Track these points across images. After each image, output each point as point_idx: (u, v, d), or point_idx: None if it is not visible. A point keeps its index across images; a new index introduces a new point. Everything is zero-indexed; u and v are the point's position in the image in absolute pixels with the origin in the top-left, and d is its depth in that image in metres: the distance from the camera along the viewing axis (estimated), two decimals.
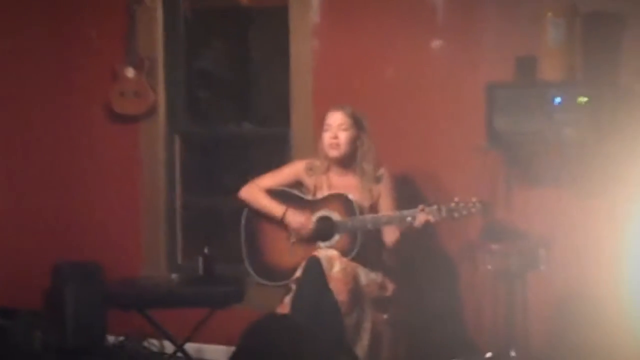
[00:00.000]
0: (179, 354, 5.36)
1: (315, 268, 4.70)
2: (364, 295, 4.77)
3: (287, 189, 5.07)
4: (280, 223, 4.99)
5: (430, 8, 5.39)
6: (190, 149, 6.20)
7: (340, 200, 4.90)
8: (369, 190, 4.96)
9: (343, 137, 4.93)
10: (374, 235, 4.93)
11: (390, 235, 4.94)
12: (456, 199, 4.71)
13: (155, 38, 6.02)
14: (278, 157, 5.61)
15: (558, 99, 4.85)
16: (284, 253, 5.00)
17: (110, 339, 5.71)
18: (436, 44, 5.40)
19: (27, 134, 6.30)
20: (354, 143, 4.95)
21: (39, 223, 6.26)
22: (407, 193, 5.20)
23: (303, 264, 4.77)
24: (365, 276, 4.82)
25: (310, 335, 2.34)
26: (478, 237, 5.09)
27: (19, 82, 6.24)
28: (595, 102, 4.80)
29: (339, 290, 4.65)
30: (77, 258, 5.69)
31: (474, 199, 4.72)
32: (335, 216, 4.89)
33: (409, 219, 4.74)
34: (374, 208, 4.95)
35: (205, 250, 5.25)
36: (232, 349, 5.14)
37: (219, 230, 5.78)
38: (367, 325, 4.76)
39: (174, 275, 5.44)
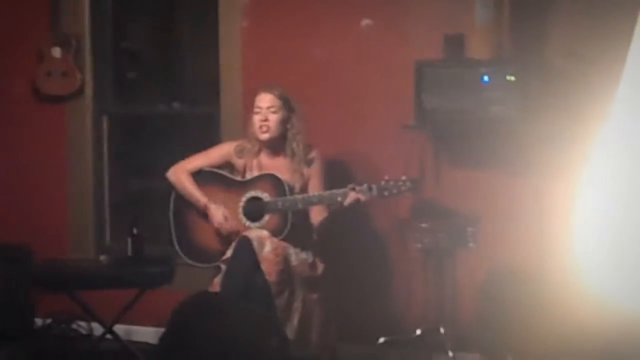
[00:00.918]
0: (108, 336, 5.25)
1: (245, 248, 4.64)
2: (295, 275, 4.73)
3: (216, 170, 5.00)
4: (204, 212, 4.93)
5: None
6: (118, 130, 6.09)
7: (271, 180, 4.85)
8: (300, 172, 4.91)
9: (273, 119, 4.87)
10: (305, 215, 4.88)
11: (317, 215, 4.89)
12: (386, 178, 4.68)
13: (82, 17, 5.89)
14: (208, 138, 5.52)
15: (486, 77, 4.83)
16: (213, 233, 4.91)
17: (38, 321, 5.62)
18: (365, 22, 5.34)
19: None
20: (284, 125, 4.89)
21: None
22: (338, 173, 5.17)
23: (233, 244, 4.71)
24: (296, 256, 4.77)
25: (240, 314, 2.25)
26: (408, 216, 5.07)
27: None
28: (522, 80, 4.79)
29: (270, 270, 4.61)
30: (3, 240, 5.62)
31: (404, 178, 4.69)
32: (266, 196, 4.83)
33: (339, 198, 4.70)
34: (304, 190, 4.90)
35: (134, 231, 5.14)
36: (162, 330, 5.23)
37: (147, 211, 5.66)
38: (297, 305, 4.72)
39: (102, 257, 5.29)
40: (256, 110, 4.89)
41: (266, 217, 4.82)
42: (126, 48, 6.17)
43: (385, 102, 5.26)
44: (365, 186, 4.67)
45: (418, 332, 5.07)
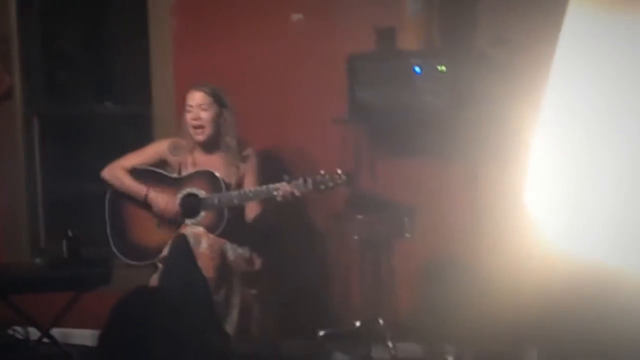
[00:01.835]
0: (45, 340, 5.17)
1: (182, 245, 4.59)
2: (232, 271, 4.70)
3: (151, 167, 4.93)
4: (144, 203, 4.86)
5: None
6: (50, 131, 5.99)
7: (206, 177, 4.80)
8: (235, 167, 4.86)
9: (205, 116, 4.82)
10: (241, 210, 4.83)
11: (252, 210, 4.84)
12: (322, 172, 4.65)
13: (9, 19, 5.78)
14: (140, 137, 5.44)
15: (418, 69, 4.82)
16: (149, 232, 4.86)
17: None
18: (296, 17, 5.30)
19: None
20: (216, 121, 4.84)
21: None
22: (273, 169, 5.09)
23: (170, 242, 4.66)
24: (233, 252, 4.73)
25: (179, 309, 2.18)
26: (344, 208, 5.04)
27: None
28: (453, 70, 4.79)
29: (207, 266, 4.56)
30: None
31: (339, 171, 4.66)
32: (201, 193, 4.79)
33: (275, 192, 4.65)
34: (239, 185, 4.85)
35: (69, 233, 5.08)
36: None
37: (83, 212, 5.58)
38: (235, 301, 4.69)
39: (37, 260, 5.24)
40: (187, 109, 4.84)
41: (202, 214, 4.76)
42: (56, 48, 6.07)
43: (319, 96, 5.22)
44: (300, 180, 4.63)
45: (357, 324, 5.04)
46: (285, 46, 5.31)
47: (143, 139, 5.35)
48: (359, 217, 4.89)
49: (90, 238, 5.24)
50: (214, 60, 5.40)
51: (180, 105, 4.94)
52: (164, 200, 4.82)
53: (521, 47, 4.81)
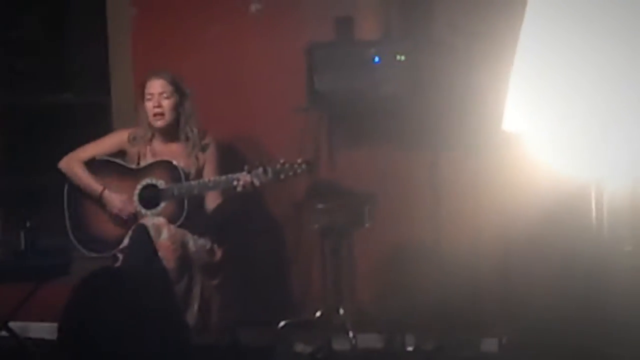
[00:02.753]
0: (3, 333, 5.09)
1: (142, 236, 4.57)
2: (193, 262, 4.67)
3: (110, 158, 4.92)
4: (99, 201, 4.85)
5: None
6: (7, 121, 5.96)
7: (165, 167, 4.78)
8: (195, 157, 4.85)
9: (166, 104, 4.80)
10: (201, 201, 4.82)
11: (212, 201, 4.83)
12: (282, 161, 4.64)
13: None
14: (99, 128, 5.41)
15: (377, 58, 4.84)
16: (109, 222, 4.84)
17: None
18: (255, 7, 5.30)
19: None
20: (176, 110, 4.83)
21: None
22: (233, 158, 5.11)
23: (129, 232, 4.63)
24: (194, 242, 4.71)
25: (140, 290, 2.16)
26: (304, 197, 5.07)
27: None
28: (412, 58, 4.80)
29: (168, 257, 4.53)
30: None
31: (299, 160, 4.66)
32: (161, 183, 4.76)
33: (235, 182, 4.64)
34: (199, 175, 4.84)
35: (27, 224, 5.04)
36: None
37: (40, 204, 5.55)
38: (196, 292, 4.67)
39: None
40: (147, 97, 4.82)
41: (162, 205, 4.74)
42: (13, 38, 6.03)
43: (278, 86, 5.23)
44: (260, 170, 4.62)
45: (318, 313, 5.05)
46: (245, 36, 5.31)
47: (102, 129, 5.32)
48: (319, 206, 4.88)
49: (48, 229, 5.21)
50: (173, 50, 5.39)
51: (140, 96, 4.89)
52: (119, 200, 4.81)
53: (479, 35, 4.85)
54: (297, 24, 5.18)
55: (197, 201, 4.78)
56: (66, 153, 4.94)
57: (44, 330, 5.44)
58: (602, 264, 3.71)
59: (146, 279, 3.80)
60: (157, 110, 4.79)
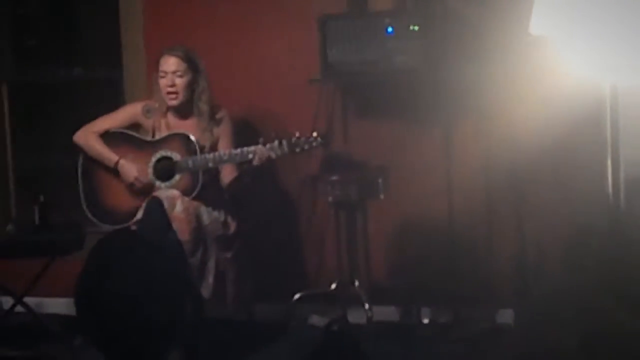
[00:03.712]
0: (19, 309, 5.13)
1: (156, 209, 4.56)
2: (207, 234, 4.67)
3: (125, 130, 4.91)
4: (115, 171, 4.85)
5: None
6: (19, 98, 5.98)
7: (181, 139, 4.78)
8: (209, 131, 4.85)
9: (180, 83, 4.79)
10: (215, 174, 4.83)
11: (228, 174, 4.84)
12: (297, 134, 4.63)
13: None
14: (111, 102, 5.41)
15: (390, 28, 4.83)
16: (123, 195, 4.85)
17: None
18: None
19: None
20: (190, 87, 4.82)
21: None
22: (247, 132, 5.10)
23: (144, 205, 4.64)
24: (208, 215, 4.71)
25: (158, 249, 2.16)
26: (317, 170, 5.08)
27: None
28: (426, 29, 4.80)
29: (182, 229, 4.52)
30: None
31: (314, 133, 4.66)
32: (176, 156, 4.76)
33: (250, 155, 4.65)
34: (214, 149, 4.83)
35: (41, 199, 5.07)
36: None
37: (53, 179, 5.57)
38: (211, 265, 4.66)
39: (9, 227, 5.19)
40: (161, 74, 4.80)
41: (177, 177, 4.75)
42: (23, 14, 6.05)
43: (291, 58, 5.24)
44: (275, 143, 4.62)
45: (333, 286, 5.08)
46: (257, 8, 5.32)
47: (114, 104, 5.32)
48: (333, 178, 4.89)
49: (62, 205, 5.25)
50: (184, 23, 5.40)
51: (151, 68, 4.90)
52: (135, 170, 4.80)
53: (493, 5, 4.85)
54: None
55: (212, 174, 4.79)
56: (78, 128, 4.92)
57: (58, 305, 5.50)
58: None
59: (162, 246, 3.76)
60: (171, 89, 4.78)
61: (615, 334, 3.79)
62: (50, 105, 6.01)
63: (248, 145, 4.69)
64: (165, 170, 4.78)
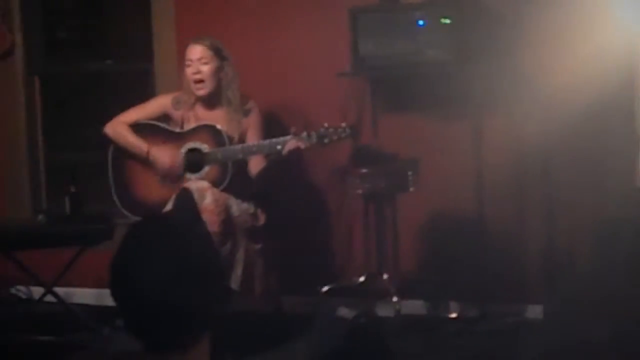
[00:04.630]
0: (48, 299, 5.19)
1: (186, 200, 4.56)
2: (237, 226, 4.68)
3: (154, 122, 4.93)
4: (146, 160, 4.86)
5: None
6: (51, 90, 6.02)
7: (209, 131, 4.78)
8: (237, 122, 4.84)
9: (206, 70, 4.78)
10: (244, 165, 4.83)
11: (256, 165, 4.82)
12: (326, 125, 4.61)
13: None
14: (143, 94, 5.42)
15: (421, 21, 4.83)
16: (153, 187, 4.87)
17: None
18: None
19: None
20: (217, 75, 4.80)
21: None
22: (276, 123, 5.13)
23: (173, 196, 4.64)
24: (237, 207, 4.71)
25: (195, 236, 2.30)
26: (347, 162, 5.05)
27: None
28: (457, 23, 4.79)
29: (212, 220, 4.50)
30: None
31: (343, 124, 4.64)
32: (205, 147, 4.77)
33: (279, 146, 4.63)
34: (242, 140, 4.82)
35: (72, 189, 5.10)
36: (103, 291, 5.14)
37: (84, 170, 5.59)
38: (240, 256, 4.67)
39: (40, 216, 5.23)
40: (187, 63, 4.80)
41: (206, 169, 4.76)
42: (56, 6, 6.09)
43: (321, 50, 5.23)
44: (304, 134, 4.60)
45: (361, 279, 5.07)
46: (288, 0, 5.33)
47: (145, 96, 5.34)
48: (363, 170, 4.87)
49: (92, 196, 5.30)
50: (215, 15, 5.41)
51: (182, 60, 4.88)
52: (167, 157, 4.82)
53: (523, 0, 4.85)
54: None
55: (241, 165, 4.79)
56: (109, 120, 4.94)
57: (87, 295, 5.54)
58: None
59: (193, 235, 3.75)
60: (197, 77, 4.77)
61: None
62: (81, 97, 6.07)
63: (276, 135, 4.69)
64: (194, 161, 4.79)
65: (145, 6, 5.55)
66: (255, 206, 4.81)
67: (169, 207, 4.64)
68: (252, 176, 4.84)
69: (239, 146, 4.75)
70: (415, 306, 5.11)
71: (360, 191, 4.93)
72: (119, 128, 4.90)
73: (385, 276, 5.02)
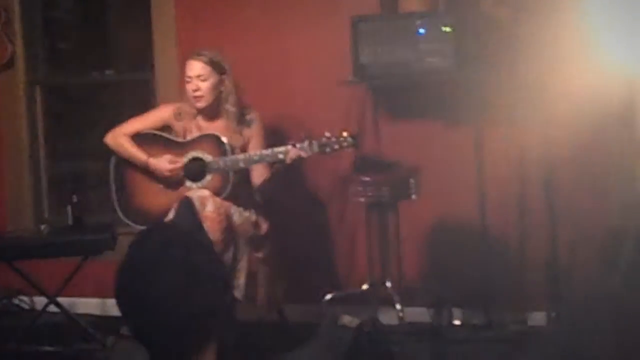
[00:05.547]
0: (52, 309, 5.19)
1: (187, 209, 4.58)
2: (239, 235, 4.69)
3: (156, 131, 4.93)
4: (146, 170, 4.87)
5: None
6: (52, 99, 6.07)
7: (212, 140, 4.80)
8: (239, 133, 4.86)
9: (204, 87, 4.80)
10: (246, 174, 4.84)
11: (259, 175, 4.84)
12: (327, 134, 4.62)
13: None
14: (143, 105, 5.45)
15: (422, 30, 4.85)
16: (155, 196, 4.88)
17: None
18: None
19: None
20: (217, 89, 4.82)
21: None
22: (278, 133, 5.15)
23: (175, 205, 4.65)
24: (239, 215, 4.73)
25: (200, 245, 2.29)
26: (349, 171, 5.09)
27: None
28: (457, 31, 4.82)
29: (213, 229, 4.52)
30: None
31: (345, 133, 4.63)
32: (207, 156, 4.78)
33: (280, 155, 4.64)
34: (244, 150, 4.83)
35: (74, 199, 5.14)
36: (106, 301, 5.16)
37: (86, 180, 5.64)
38: (242, 265, 4.68)
39: (43, 226, 5.28)
40: (187, 79, 4.82)
41: (208, 177, 4.77)
42: (57, 17, 6.15)
43: (322, 59, 5.26)
44: (306, 143, 4.60)
45: (364, 287, 5.09)
46: (289, 9, 5.34)
47: (146, 106, 5.36)
48: (366, 178, 4.89)
49: (93, 207, 5.40)
50: (216, 24, 5.44)
51: (184, 70, 4.87)
52: (167, 162, 4.82)
53: (525, 7, 4.85)
54: None
55: (243, 175, 4.81)
56: (110, 130, 4.95)
57: (91, 305, 5.56)
58: None
59: (196, 244, 3.77)
60: (196, 93, 4.80)
61: None
62: (82, 107, 6.10)
63: (277, 144, 4.69)
64: (196, 170, 4.80)
65: (145, 16, 5.57)
66: (257, 215, 4.82)
67: (170, 216, 4.63)
68: (255, 186, 4.85)
69: (241, 155, 4.76)
70: (419, 314, 5.09)
71: (362, 199, 4.94)
72: (119, 139, 4.91)
73: (388, 284, 5.06)
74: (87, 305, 5.60)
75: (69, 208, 5.12)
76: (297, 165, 4.70)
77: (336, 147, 4.63)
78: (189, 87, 4.81)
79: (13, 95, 5.87)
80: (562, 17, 4.74)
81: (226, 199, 4.71)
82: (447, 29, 4.81)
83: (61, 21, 6.19)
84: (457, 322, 5.08)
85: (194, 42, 5.26)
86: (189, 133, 4.91)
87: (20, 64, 5.86)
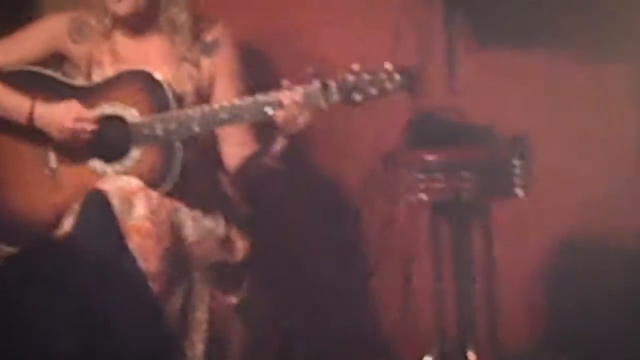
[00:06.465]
0: None
1: (97, 212, 4.18)
2: (194, 262, 4.34)
3: (36, 68, 4.52)
4: (29, 134, 4.44)
5: None
6: None
7: (139, 82, 4.41)
8: (192, 64, 4.52)
9: None
10: (210, 149, 4.50)
11: (235, 150, 4.52)
12: (355, 67, 4.19)
13: None
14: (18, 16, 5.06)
15: None
16: (37, 189, 4.46)
17: None
18: None
19: None
20: None
21: None
22: (264, 68, 4.96)
23: (76, 206, 4.23)
24: (195, 225, 4.36)
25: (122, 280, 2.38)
26: (398, 143, 4.68)
27: None
28: None
29: (146, 250, 4.15)
30: None
31: (387, 66, 4.22)
32: (132, 114, 4.34)
33: (269, 110, 4.22)
34: (203, 99, 4.45)
35: None
36: None
37: None
38: (201, 316, 4.38)
39: None
40: None
41: (134, 154, 4.33)
42: None
43: None
44: (317, 85, 4.20)
45: (428, 359, 4.73)
46: None
47: (22, 20, 4.90)
48: (429, 158, 4.49)
49: None
50: None
51: None
52: (66, 111, 4.38)
53: None
54: None
55: (203, 149, 4.45)
56: None
57: None
58: None
59: (113, 275, 3.57)
60: None
61: None
62: None
63: (266, 89, 4.28)
64: (112, 140, 4.38)
65: None
66: (229, 226, 4.47)
67: (66, 226, 4.24)
68: (229, 169, 4.55)
69: (197, 110, 4.30)
70: None
71: (424, 196, 4.52)
72: None
73: (470, 355, 4.64)
74: None
75: None
76: (302, 127, 4.25)
77: (373, 92, 4.23)
78: None
79: None
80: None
81: (170, 194, 4.30)
82: None
83: None
84: None
85: None
86: (96, 65, 4.52)
87: None
